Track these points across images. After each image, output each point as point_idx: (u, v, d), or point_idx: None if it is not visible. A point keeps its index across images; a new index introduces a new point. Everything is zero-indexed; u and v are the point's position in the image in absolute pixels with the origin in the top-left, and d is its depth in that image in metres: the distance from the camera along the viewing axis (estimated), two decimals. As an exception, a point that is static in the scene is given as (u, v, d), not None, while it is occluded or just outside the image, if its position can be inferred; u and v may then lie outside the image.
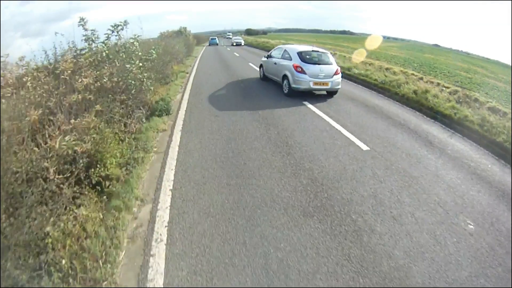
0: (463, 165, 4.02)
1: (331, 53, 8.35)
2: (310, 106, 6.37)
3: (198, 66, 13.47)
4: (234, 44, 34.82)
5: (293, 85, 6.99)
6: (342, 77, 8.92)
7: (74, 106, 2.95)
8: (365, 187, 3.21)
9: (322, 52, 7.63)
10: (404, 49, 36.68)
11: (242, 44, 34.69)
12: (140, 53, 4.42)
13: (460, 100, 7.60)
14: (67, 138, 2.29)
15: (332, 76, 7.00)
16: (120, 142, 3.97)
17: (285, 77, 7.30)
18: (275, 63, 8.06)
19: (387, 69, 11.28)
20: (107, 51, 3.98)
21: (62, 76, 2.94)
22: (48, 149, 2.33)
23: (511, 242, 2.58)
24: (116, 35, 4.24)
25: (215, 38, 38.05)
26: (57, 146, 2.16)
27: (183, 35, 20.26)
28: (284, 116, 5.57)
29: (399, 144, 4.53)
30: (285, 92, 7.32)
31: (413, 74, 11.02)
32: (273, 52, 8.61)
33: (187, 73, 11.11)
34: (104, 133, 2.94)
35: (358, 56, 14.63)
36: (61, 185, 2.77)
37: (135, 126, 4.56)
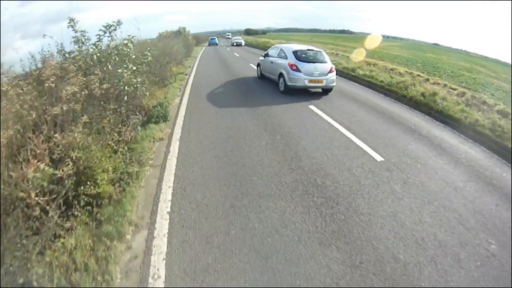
0: (479, 175, 3.81)
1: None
2: (317, 111, 6.05)
3: (197, 67, 13.14)
4: (234, 44, 33.56)
5: (289, 83, 7.17)
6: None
7: (60, 117, 2.63)
8: (384, 206, 2.93)
9: (317, 51, 7.81)
10: (405, 49, 36.44)
11: (243, 44, 33.58)
12: (134, 56, 4.05)
13: (469, 103, 7.41)
14: (42, 166, 1.97)
15: (326, 74, 7.16)
16: (113, 153, 3.67)
17: (281, 75, 7.46)
18: (272, 62, 8.21)
19: (392, 69, 11.00)
20: (98, 54, 3.64)
21: (46, 84, 2.61)
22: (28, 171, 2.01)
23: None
24: (108, 36, 3.89)
25: (215, 38, 38.04)
26: (29, 176, 1.85)
27: (182, 35, 19.90)
28: (294, 126, 5.25)
29: (413, 153, 4.27)
30: (281, 90, 7.48)
31: (419, 75, 10.74)
32: (270, 51, 8.74)
33: (186, 74, 10.79)
34: (91, 151, 2.62)
35: (357, 56, 14.70)
36: (47, 207, 2.48)
37: (130, 134, 4.25)
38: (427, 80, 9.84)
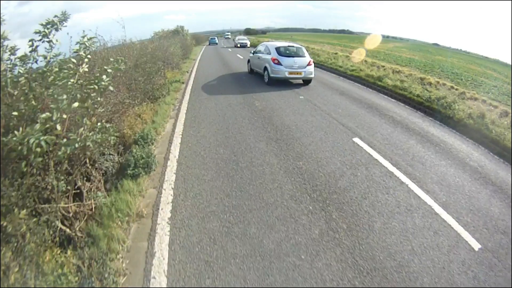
0: None
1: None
2: (367, 147, 4.61)
3: (196, 73, 11.49)
4: (238, 45, 28.62)
5: (271, 75, 8.30)
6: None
7: None
8: None
9: (298, 47, 8.89)
10: (412, 50, 35.18)
11: (248, 45, 28.59)
12: (70, 82, 2.19)
13: (517, 127, 6.21)
14: None
15: (305, 67, 8.23)
16: (68, 244, 2.27)
17: (265, 68, 8.58)
18: (259, 58, 9.23)
19: (422, 79, 9.58)
20: (25, 75, 2.14)
21: None
22: None
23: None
24: (47, 41, 2.31)
25: (215, 38, 39.44)
26: None
27: (180, 35, 18.35)
28: (355, 188, 3.62)
29: (499, 224, 2.94)
30: (266, 81, 8.61)
31: (452, 87, 9.37)
32: (258, 48, 9.72)
33: (182, 82, 9.22)
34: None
35: (358, 56, 14.89)
36: None
37: (94, 201, 2.82)
38: (463, 93, 8.49)
